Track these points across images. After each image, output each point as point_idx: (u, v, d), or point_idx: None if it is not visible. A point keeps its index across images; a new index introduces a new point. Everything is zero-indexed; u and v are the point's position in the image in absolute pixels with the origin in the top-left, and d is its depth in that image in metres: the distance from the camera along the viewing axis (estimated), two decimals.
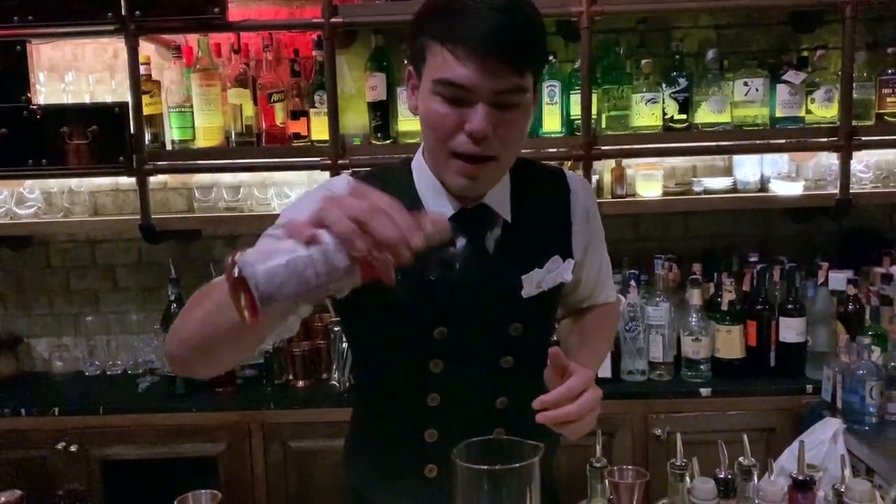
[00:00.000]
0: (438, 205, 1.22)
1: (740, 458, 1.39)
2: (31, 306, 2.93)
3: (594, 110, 2.52)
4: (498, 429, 1.24)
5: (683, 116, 2.55)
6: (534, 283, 1.25)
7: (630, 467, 1.01)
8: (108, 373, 2.82)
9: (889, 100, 2.54)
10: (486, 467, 0.93)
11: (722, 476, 1.20)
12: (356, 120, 2.70)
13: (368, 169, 1.47)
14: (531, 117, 1.19)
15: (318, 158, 2.53)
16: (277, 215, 2.79)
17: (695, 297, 2.45)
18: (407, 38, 1.21)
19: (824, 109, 2.53)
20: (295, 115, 2.59)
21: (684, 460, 1.39)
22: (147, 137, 2.53)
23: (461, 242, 1.24)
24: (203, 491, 0.95)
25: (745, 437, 1.41)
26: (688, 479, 1.37)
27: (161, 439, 2.41)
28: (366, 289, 1.19)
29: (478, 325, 1.22)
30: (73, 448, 2.40)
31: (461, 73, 1.09)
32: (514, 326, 1.25)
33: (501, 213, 1.26)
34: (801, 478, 1.15)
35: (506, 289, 1.24)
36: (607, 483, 1.39)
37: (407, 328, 1.24)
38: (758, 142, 2.54)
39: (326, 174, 2.53)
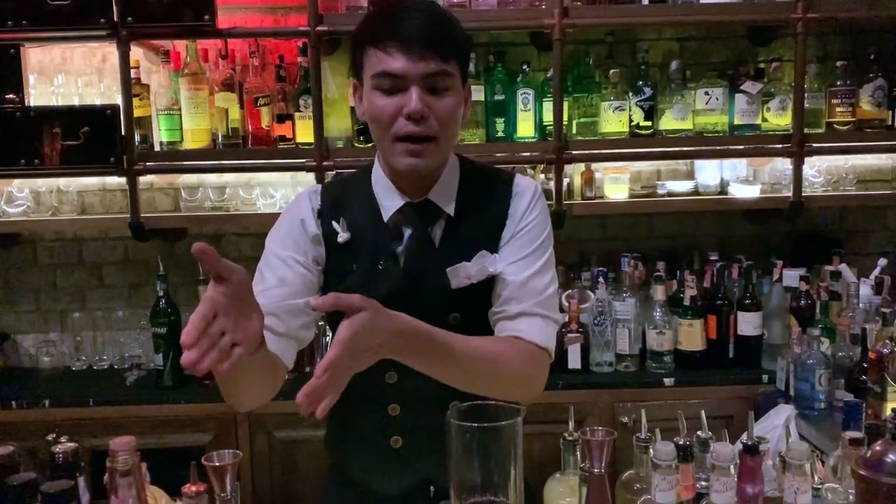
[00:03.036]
0: (389, 199, 1.38)
1: (698, 432, 1.53)
2: (18, 303, 2.99)
3: (565, 117, 2.66)
4: (453, 402, 1.30)
5: (649, 123, 2.71)
6: (460, 275, 1.35)
7: (600, 428, 1.13)
8: (95, 367, 2.90)
9: (838, 109, 2.72)
10: (475, 424, 1.05)
11: (681, 443, 1.34)
12: (339, 123, 2.82)
13: (347, 163, 1.59)
14: (462, 109, 1.35)
15: (303, 160, 2.64)
16: (262, 215, 2.91)
17: (659, 292, 2.61)
18: (351, 52, 1.38)
19: (779, 118, 2.70)
20: (280, 118, 2.70)
21: (648, 434, 1.54)
22: (136, 139, 2.62)
23: (407, 235, 1.38)
24: (226, 451, 1.06)
25: (702, 412, 1.56)
26: (651, 450, 1.51)
27: (150, 430, 2.50)
28: (330, 280, 1.37)
29: (420, 314, 1.25)
30: (63, 439, 2.46)
31: (393, 65, 1.26)
32: (452, 316, 1.36)
33: (444, 208, 1.38)
34: (749, 442, 1.29)
35: (441, 279, 1.35)
36: (578, 453, 1.52)
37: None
38: (718, 147, 2.71)
39: (311, 175, 2.64)
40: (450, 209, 1.39)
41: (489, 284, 1.38)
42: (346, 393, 1.42)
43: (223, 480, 1.07)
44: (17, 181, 2.78)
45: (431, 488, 1.41)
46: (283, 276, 1.35)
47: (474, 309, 1.38)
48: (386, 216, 1.38)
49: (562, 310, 2.69)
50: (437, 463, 1.32)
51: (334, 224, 1.39)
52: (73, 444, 1.00)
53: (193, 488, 0.98)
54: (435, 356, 1.22)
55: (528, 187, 1.44)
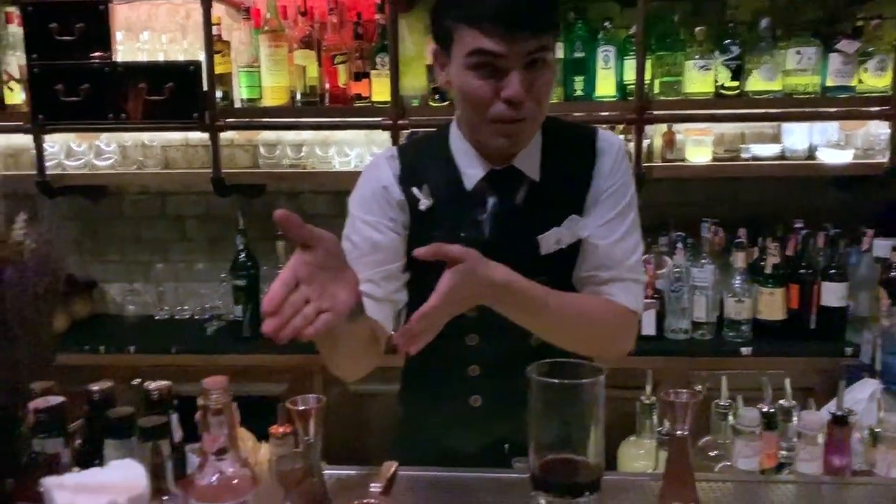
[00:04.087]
0: (470, 166, 1.33)
1: (781, 401, 1.49)
2: (105, 253, 3.12)
3: (647, 76, 2.59)
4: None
5: (735, 83, 2.60)
6: (551, 240, 1.32)
7: (684, 390, 1.10)
8: (177, 317, 3.01)
9: None
10: (558, 381, 1.04)
11: (766, 410, 1.30)
12: (415, 82, 2.80)
13: (418, 133, 1.57)
14: (555, 73, 1.29)
15: (379, 119, 2.65)
16: (338, 173, 2.93)
17: (739, 259, 2.53)
18: (432, 19, 1.31)
19: (877, 79, 2.56)
20: (357, 76, 2.70)
21: (728, 400, 1.50)
22: (218, 95, 2.67)
23: (491, 203, 1.34)
24: (310, 395, 1.08)
25: (786, 381, 1.51)
26: (730, 417, 1.48)
27: (229, 378, 2.57)
28: (412, 243, 1.34)
29: None
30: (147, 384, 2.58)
31: (491, 46, 1.19)
32: (539, 280, 1.31)
33: (529, 174, 1.34)
34: (839, 413, 1.25)
35: (529, 246, 1.32)
36: (655, 416, 1.51)
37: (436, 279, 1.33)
38: (808, 110, 2.59)
39: (386, 134, 2.64)
40: (534, 174, 1.34)
41: (575, 248, 1.35)
42: (424, 352, 1.44)
43: (307, 424, 1.10)
44: (104, 135, 2.87)
45: (506, 446, 1.41)
46: (374, 241, 1.34)
47: (560, 273, 1.36)
48: (468, 184, 1.34)
49: None
50: (514, 423, 1.32)
51: (415, 191, 1.35)
52: (167, 382, 1.04)
53: (281, 429, 1.01)
54: (530, 307, 1.22)
55: (612, 144, 1.39)
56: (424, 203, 1.34)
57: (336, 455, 2.60)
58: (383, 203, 1.36)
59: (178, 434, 1.04)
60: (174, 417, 1.03)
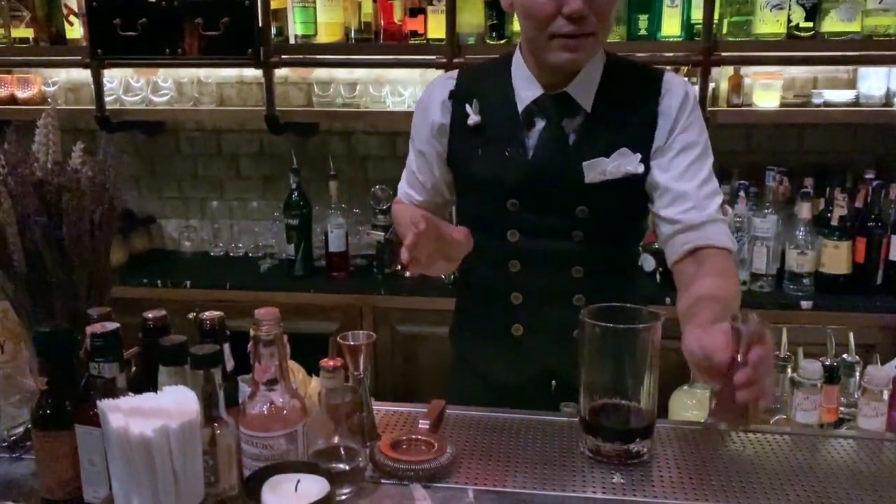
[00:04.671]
0: (526, 89, 1.34)
1: (844, 355, 1.44)
2: (162, 189, 3.16)
3: (716, 15, 2.46)
4: (577, 295, 1.36)
5: (809, 24, 2.46)
6: (596, 170, 1.31)
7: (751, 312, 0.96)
8: (231, 254, 3.05)
9: None
10: (612, 325, 1.02)
11: (828, 363, 1.26)
12: (471, 18, 2.72)
13: (478, 61, 1.57)
14: None
15: (434, 57, 2.59)
16: (392, 112, 2.90)
17: (804, 210, 2.43)
18: None
19: None
20: (412, 12, 2.64)
21: (787, 353, 1.46)
22: (272, 31, 2.64)
23: (539, 126, 1.34)
24: (361, 332, 1.08)
25: (850, 335, 1.46)
26: (789, 370, 1.44)
27: (281, 315, 2.61)
28: (457, 165, 1.42)
29: (545, 204, 1.33)
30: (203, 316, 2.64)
31: None
32: (580, 209, 1.33)
33: (581, 103, 1.33)
34: None
35: (572, 174, 1.31)
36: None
37: (485, 198, 1.40)
38: (888, 53, 2.44)
39: (441, 72, 2.59)
40: (587, 104, 1.33)
41: (625, 183, 1.32)
42: (470, 282, 1.51)
43: (357, 359, 1.10)
44: (161, 71, 2.88)
45: (553, 382, 1.42)
46: (427, 171, 1.47)
47: (605, 205, 1.34)
48: (521, 105, 1.35)
49: None
50: (557, 355, 1.37)
51: (466, 106, 1.38)
52: (220, 312, 1.04)
53: (331, 363, 1.01)
54: None
55: (679, 85, 1.35)
56: (473, 118, 1.37)
57: (385, 394, 2.64)
58: (423, 129, 1.44)
59: (230, 364, 1.05)
60: (226, 347, 1.03)
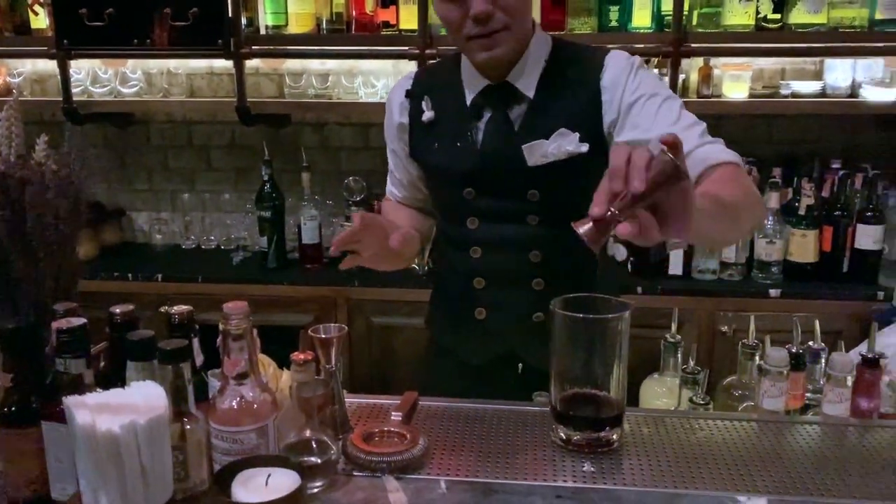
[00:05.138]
0: (472, 83, 1.39)
1: (810, 342, 1.46)
2: (133, 181, 3.13)
3: (686, 6, 2.48)
4: (536, 279, 1.40)
5: (777, 16, 2.49)
6: (537, 153, 1.33)
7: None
8: (203, 247, 3.03)
9: None
10: (582, 315, 1.03)
11: (794, 350, 1.28)
12: None
13: (432, 63, 1.61)
14: None
15: (406, 48, 2.58)
16: (364, 104, 2.88)
17: (773, 199, 2.47)
18: None
19: None
20: (384, 3, 2.63)
21: (756, 341, 1.48)
22: (243, 21, 2.62)
23: (486, 116, 1.38)
24: (332, 325, 1.08)
25: (816, 323, 1.48)
26: (757, 358, 1.46)
27: (253, 309, 2.56)
28: (417, 158, 1.48)
29: (499, 190, 1.39)
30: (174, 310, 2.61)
31: None
32: (531, 193, 1.37)
33: (524, 90, 1.36)
34: (870, 355, 1.22)
35: (517, 159, 1.35)
36: (679, 355, 1.49)
37: (444, 189, 1.48)
38: (853, 45, 2.48)
39: (413, 64, 2.58)
40: (530, 91, 1.37)
41: (572, 164, 1.34)
42: (439, 269, 1.59)
43: (328, 353, 1.10)
44: (130, 62, 2.84)
45: (520, 365, 1.45)
46: (401, 167, 1.55)
47: (554, 187, 1.37)
48: (469, 98, 1.40)
49: None
50: (521, 338, 1.42)
51: (422, 103, 1.45)
52: (188, 306, 1.03)
53: (302, 356, 1.01)
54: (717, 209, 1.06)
55: (620, 58, 1.35)
56: (427, 115, 1.43)
57: (361, 385, 2.64)
58: (391, 128, 1.51)
59: (199, 358, 1.04)
60: (195, 342, 1.03)
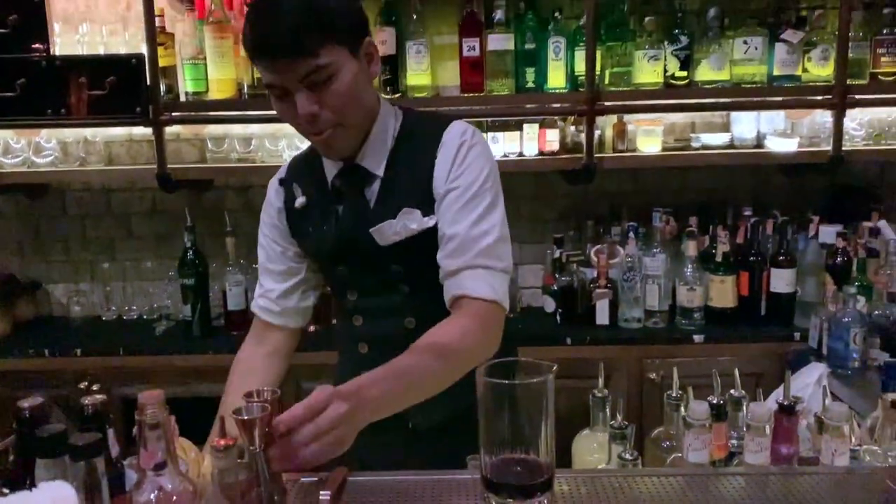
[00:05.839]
0: (331, 166, 1.43)
1: (731, 391, 1.51)
2: (49, 253, 3.02)
3: (598, 67, 2.59)
4: (408, 319, 1.44)
5: (684, 73, 2.62)
6: (386, 234, 1.38)
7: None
8: (125, 318, 2.93)
9: (884, 59, 2.61)
10: (507, 381, 1.03)
11: (715, 402, 1.31)
12: None
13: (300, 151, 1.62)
14: (363, 75, 1.32)
15: None
16: None
17: (690, 248, 2.56)
18: None
19: (820, 68, 2.60)
20: None
21: (679, 392, 1.51)
22: (162, 89, 2.59)
23: (344, 199, 1.43)
24: (255, 404, 1.05)
25: (736, 370, 1.53)
26: (682, 409, 1.49)
27: (179, 379, 2.52)
28: (295, 237, 1.51)
29: (365, 266, 1.44)
30: (94, 387, 2.51)
31: (270, 78, 1.27)
32: (394, 268, 1.42)
33: (373, 170, 1.41)
34: (786, 402, 1.26)
35: (371, 239, 1.39)
36: (608, 409, 1.51)
37: (323, 267, 1.54)
38: (755, 99, 2.63)
39: None
40: (379, 171, 1.41)
41: (424, 236, 1.38)
42: (336, 335, 1.62)
43: (252, 434, 1.07)
44: (44, 131, 2.77)
45: (409, 424, 1.46)
46: (273, 258, 1.55)
47: (415, 259, 1.40)
48: (329, 181, 1.45)
49: (590, 265, 2.66)
50: None
51: (294, 190, 1.49)
52: (102, 395, 0.99)
53: (222, 442, 0.98)
54: (400, 397, 1.23)
55: (455, 134, 1.39)
56: (300, 201, 1.48)
57: None
58: (269, 219, 1.54)
59: (115, 449, 1.00)
60: (110, 433, 0.99)
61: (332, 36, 1.26)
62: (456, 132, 1.39)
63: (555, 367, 1.07)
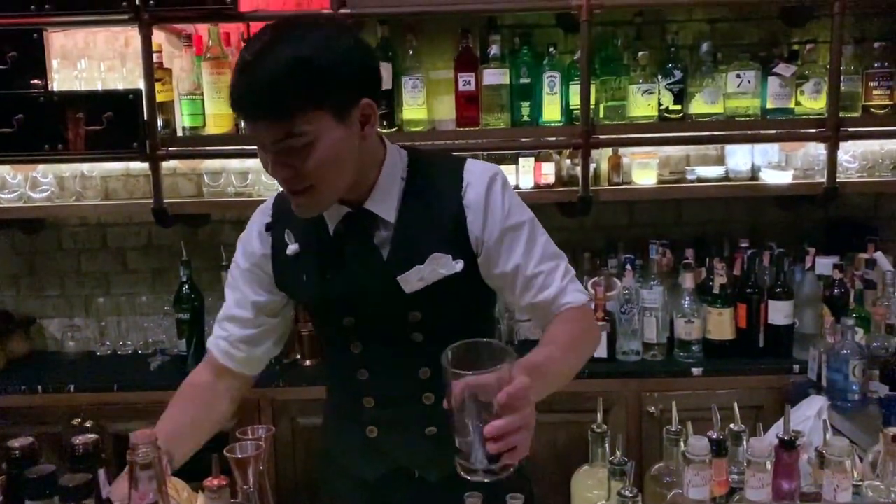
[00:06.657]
0: (332, 209, 1.33)
1: (731, 425, 1.49)
2: (43, 288, 3.00)
3: (592, 100, 2.61)
4: (426, 394, 1.38)
5: (678, 107, 2.64)
6: (413, 280, 1.32)
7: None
8: (119, 353, 2.90)
9: (875, 92, 2.64)
10: (471, 373, 1.03)
11: (714, 437, 1.30)
12: None
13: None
14: (346, 141, 1.22)
15: None
16: None
17: (688, 280, 2.55)
18: None
19: (813, 101, 2.63)
20: None
21: (679, 427, 1.50)
22: (159, 124, 2.60)
23: (352, 245, 1.35)
24: (248, 442, 1.04)
25: (735, 405, 1.52)
26: (682, 444, 1.47)
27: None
28: (287, 290, 1.44)
29: (378, 314, 1.36)
30: (88, 424, 2.48)
31: (250, 131, 1.24)
32: (412, 315, 1.35)
33: (384, 216, 1.34)
34: (786, 437, 1.24)
35: (391, 287, 1.33)
36: (607, 445, 1.49)
37: (322, 319, 1.47)
38: (749, 132, 2.65)
39: None
40: (390, 216, 1.34)
41: (447, 281, 1.34)
42: (329, 387, 1.56)
43: (246, 472, 1.05)
44: (41, 166, 2.78)
45: (416, 472, 1.43)
46: (244, 305, 1.47)
47: (435, 305, 1.35)
48: (331, 227, 1.36)
49: None
50: (414, 451, 1.41)
51: (285, 236, 1.39)
52: (94, 435, 0.98)
53: (215, 482, 0.96)
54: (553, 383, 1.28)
55: (480, 172, 1.36)
56: (292, 248, 1.38)
57: (287, 488, 2.54)
58: (251, 259, 1.44)
59: (105, 490, 0.98)
60: (101, 473, 0.97)
61: (314, 102, 1.17)
62: (480, 169, 1.37)
63: (513, 354, 1.08)
